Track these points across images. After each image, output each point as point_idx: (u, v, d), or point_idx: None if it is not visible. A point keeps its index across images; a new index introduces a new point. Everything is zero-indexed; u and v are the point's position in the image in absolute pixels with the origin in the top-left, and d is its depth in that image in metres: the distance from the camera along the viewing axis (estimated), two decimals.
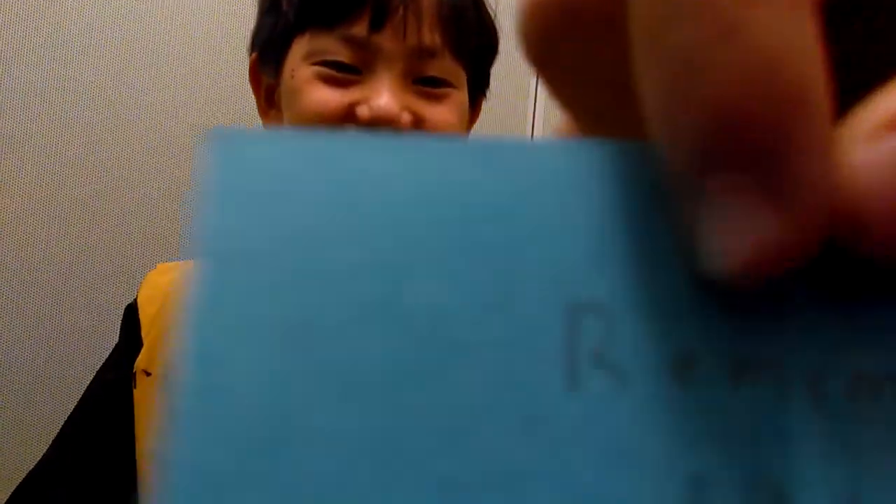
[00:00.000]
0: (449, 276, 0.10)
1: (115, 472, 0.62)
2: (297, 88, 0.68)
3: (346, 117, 0.66)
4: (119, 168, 1.10)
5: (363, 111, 0.65)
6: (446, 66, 0.69)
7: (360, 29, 0.66)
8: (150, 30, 1.10)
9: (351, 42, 0.66)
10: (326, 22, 0.66)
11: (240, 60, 1.13)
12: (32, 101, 1.05)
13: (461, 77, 0.71)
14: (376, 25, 0.65)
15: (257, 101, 0.78)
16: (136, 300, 0.74)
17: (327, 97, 0.66)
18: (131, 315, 0.73)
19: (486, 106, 0.80)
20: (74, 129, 1.07)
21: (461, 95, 0.71)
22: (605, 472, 0.10)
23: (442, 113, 0.69)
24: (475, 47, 0.73)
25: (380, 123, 0.65)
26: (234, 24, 1.14)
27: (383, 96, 0.65)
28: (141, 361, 0.68)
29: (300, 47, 0.69)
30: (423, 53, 0.67)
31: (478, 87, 0.76)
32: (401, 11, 0.66)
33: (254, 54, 0.76)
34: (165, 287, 0.74)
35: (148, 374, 0.67)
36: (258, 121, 1.13)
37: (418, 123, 0.67)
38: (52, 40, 1.07)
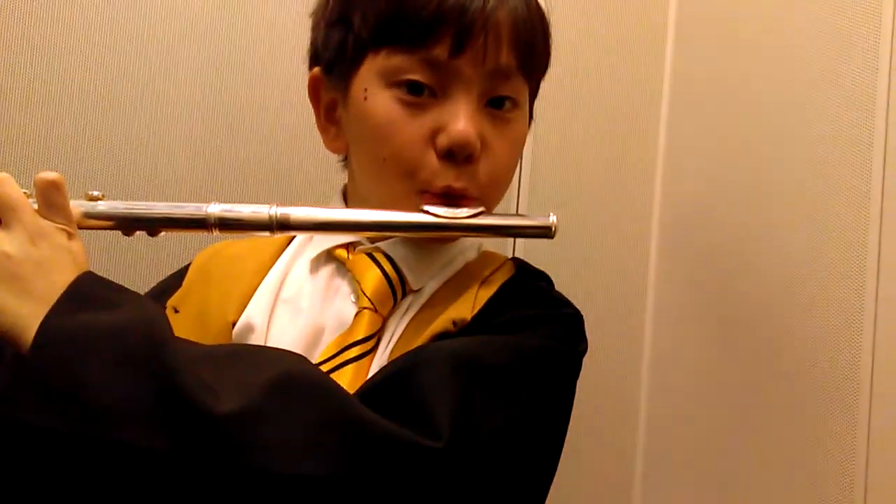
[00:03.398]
0: None
1: None
2: (374, 114, 0.69)
3: (426, 145, 0.68)
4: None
5: (442, 140, 0.68)
6: (516, 86, 0.72)
7: (440, 51, 0.67)
8: (150, 17, 1.11)
9: (430, 64, 0.68)
10: (406, 43, 0.68)
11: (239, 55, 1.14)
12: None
13: (525, 93, 0.75)
14: (457, 50, 0.67)
15: (316, 117, 0.79)
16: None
17: (409, 128, 0.68)
18: (188, 265, 0.79)
19: None
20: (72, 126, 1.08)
21: (523, 116, 0.75)
22: None
23: (504, 146, 0.71)
24: (541, 65, 0.75)
25: (456, 148, 0.68)
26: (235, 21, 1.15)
27: (461, 122, 0.68)
28: (174, 299, 0.74)
29: (373, 64, 0.70)
30: (498, 75, 0.70)
31: (533, 98, 0.78)
32: (482, 37, 0.67)
33: (316, 69, 0.77)
34: (221, 248, 0.80)
35: (176, 311, 0.73)
36: (254, 120, 1.14)
37: (484, 148, 0.70)
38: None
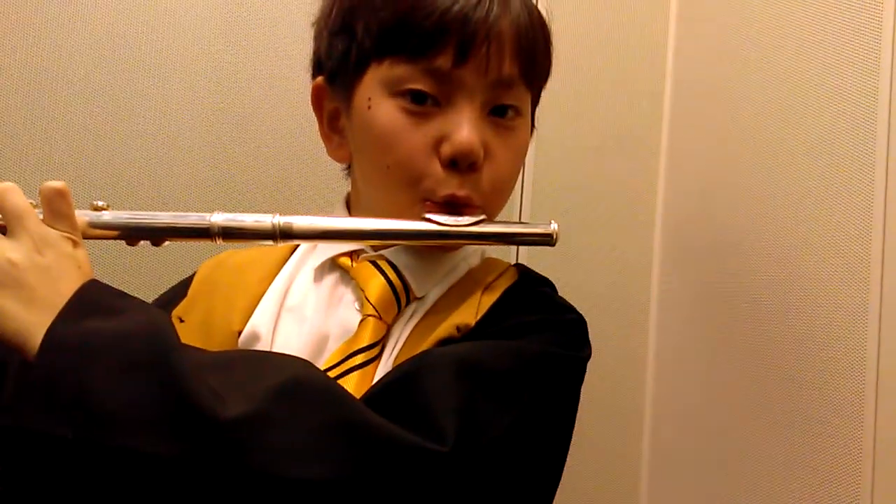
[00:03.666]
0: None
1: None
2: (378, 123, 0.70)
3: (430, 153, 0.68)
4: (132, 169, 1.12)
5: (446, 149, 0.68)
6: (519, 94, 0.72)
7: (443, 61, 0.68)
8: (153, 28, 1.12)
9: (433, 73, 0.68)
10: (410, 53, 0.68)
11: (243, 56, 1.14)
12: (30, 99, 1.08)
13: (528, 102, 0.75)
14: (460, 60, 0.68)
15: (320, 126, 0.79)
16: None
17: (413, 138, 0.69)
18: (193, 275, 0.80)
19: None
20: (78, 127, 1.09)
21: (525, 124, 0.75)
22: None
23: (507, 155, 0.72)
24: (542, 73, 0.76)
25: (460, 157, 0.68)
26: (236, 20, 1.15)
27: (464, 130, 0.68)
28: (179, 309, 0.75)
29: (377, 74, 0.70)
30: (501, 84, 0.70)
31: (535, 106, 0.79)
32: (484, 47, 0.68)
33: (319, 78, 0.77)
34: (225, 258, 0.81)
35: (181, 321, 0.73)
36: (257, 130, 1.14)
37: (487, 156, 0.70)
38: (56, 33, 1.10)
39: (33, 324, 0.52)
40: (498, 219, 0.74)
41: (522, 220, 1.21)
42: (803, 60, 0.98)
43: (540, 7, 0.75)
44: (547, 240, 0.70)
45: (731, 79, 1.14)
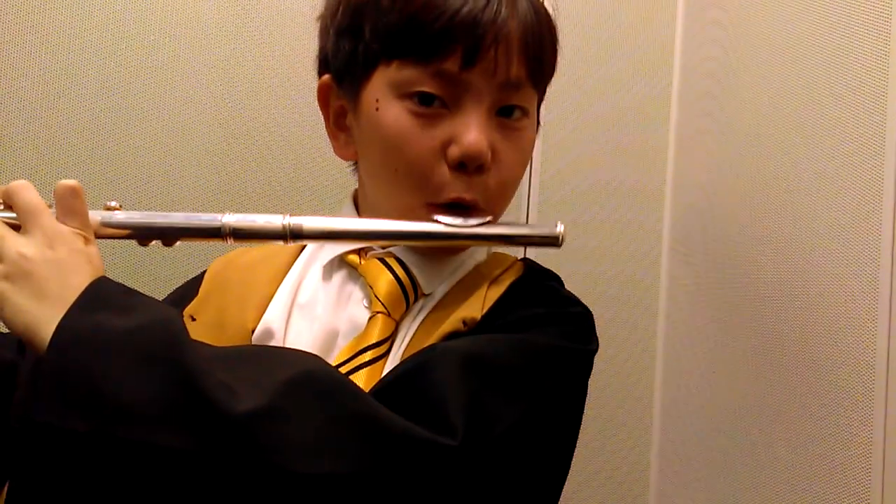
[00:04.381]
0: None
1: None
2: (386, 125, 0.70)
3: (437, 156, 0.69)
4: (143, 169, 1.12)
5: (454, 151, 0.68)
6: (526, 95, 0.73)
7: (451, 64, 0.68)
8: (162, 29, 1.12)
9: (442, 76, 0.68)
10: (418, 55, 0.68)
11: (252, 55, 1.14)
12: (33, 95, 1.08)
13: (534, 101, 0.75)
14: (469, 63, 0.68)
15: (326, 124, 0.79)
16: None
17: (421, 140, 0.69)
18: (202, 273, 0.80)
19: None
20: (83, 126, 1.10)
21: (532, 124, 0.75)
22: None
23: (513, 156, 0.72)
24: (549, 73, 0.76)
25: (468, 159, 0.68)
26: (248, 17, 1.15)
27: (472, 133, 0.68)
28: (191, 308, 0.75)
29: (384, 76, 0.70)
30: (509, 86, 0.70)
31: (540, 103, 0.79)
32: (493, 49, 0.68)
33: (326, 76, 0.77)
34: (234, 257, 0.81)
35: (193, 320, 0.74)
36: (268, 121, 1.14)
37: (494, 157, 0.70)
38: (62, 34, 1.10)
39: (44, 317, 0.53)
40: (505, 219, 0.74)
41: (530, 217, 1.21)
42: (811, 55, 0.98)
43: (546, 4, 0.75)
44: (553, 241, 0.70)
45: (738, 74, 1.13)
